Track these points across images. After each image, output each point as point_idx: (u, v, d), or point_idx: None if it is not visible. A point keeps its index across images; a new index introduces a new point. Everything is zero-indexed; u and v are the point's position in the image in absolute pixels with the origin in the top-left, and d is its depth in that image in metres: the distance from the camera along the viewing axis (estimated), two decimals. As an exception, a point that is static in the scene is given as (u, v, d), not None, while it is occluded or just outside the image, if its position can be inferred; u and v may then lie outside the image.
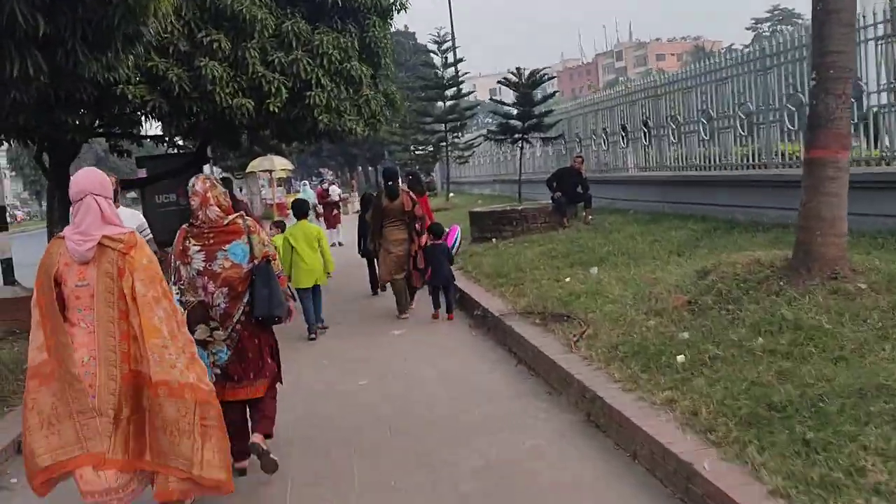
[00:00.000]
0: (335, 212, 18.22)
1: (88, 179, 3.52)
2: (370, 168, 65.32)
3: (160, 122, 10.42)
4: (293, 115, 10.74)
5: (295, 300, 5.16)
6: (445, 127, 23.44)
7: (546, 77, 13.60)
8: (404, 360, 6.97)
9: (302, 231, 8.33)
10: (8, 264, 8.99)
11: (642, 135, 14.63)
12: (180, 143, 15.93)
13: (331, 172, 75.50)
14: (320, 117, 10.77)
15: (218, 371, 4.20)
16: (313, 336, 8.17)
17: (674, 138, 13.43)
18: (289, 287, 4.91)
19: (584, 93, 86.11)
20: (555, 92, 16.89)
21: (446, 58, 23.76)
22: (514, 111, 13.11)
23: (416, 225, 8.89)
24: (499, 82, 14.29)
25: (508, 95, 19.15)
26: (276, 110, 10.11)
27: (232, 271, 4.19)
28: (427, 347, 7.40)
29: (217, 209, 4.23)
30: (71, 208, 3.52)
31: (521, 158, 14.60)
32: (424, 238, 8.83)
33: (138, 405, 3.42)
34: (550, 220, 13.26)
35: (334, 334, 8.54)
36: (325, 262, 8.37)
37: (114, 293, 3.39)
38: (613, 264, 8.72)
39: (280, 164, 30.49)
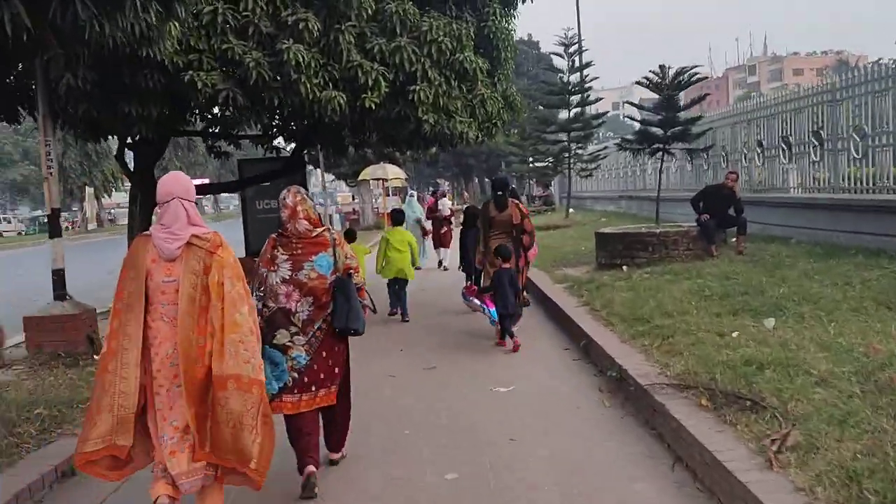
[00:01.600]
0: (444, 229, 15.64)
1: (176, 183, 3.69)
2: (486, 180, 63.87)
3: (238, 117, 9.02)
4: (394, 113, 9.15)
5: (374, 311, 5.15)
6: (569, 137, 21.37)
7: (696, 77, 11.40)
8: (510, 439, 5.09)
9: (397, 235, 10.23)
10: (59, 276, 7.78)
11: (811, 149, 12.15)
12: (281, 145, 14.76)
13: (447, 183, 74.81)
14: (425, 117, 9.14)
15: (295, 375, 4.29)
16: (394, 312, 10.09)
17: (856, 153, 10.93)
18: (368, 297, 5.04)
19: (711, 108, 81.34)
20: (706, 95, 14.52)
21: (573, 61, 21.71)
22: (656, 117, 11.05)
23: (525, 239, 8.40)
24: (637, 82, 12.22)
25: (633, 109, 17.02)
26: (374, 107, 8.56)
27: (317, 282, 4.32)
28: (543, 421, 5.48)
29: (306, 222, 4.35)
30: (156, 208, 3.69)
31: (660, 173, 12.43)
32: (532, 251, 8.68)
33: (203, 399, 3.51)
34: (695, 247, 11.06)
35: (419, 375, 6.92)
36: (414, 257, 10.12)
37: (197, 289, 3.51)
38: (797, 316, 6.52)
39: (393, 173, 29.31)
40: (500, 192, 8.58)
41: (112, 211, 66.51)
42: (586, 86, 21.97)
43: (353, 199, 39.12)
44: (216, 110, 10.04)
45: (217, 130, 12.58)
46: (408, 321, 9.91)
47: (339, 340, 4.49)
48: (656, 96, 12.41)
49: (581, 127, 21.35)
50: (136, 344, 3.49)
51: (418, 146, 12.84)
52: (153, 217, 11.75)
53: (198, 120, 12.14)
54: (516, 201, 8.88)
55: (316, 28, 7.80)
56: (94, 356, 7.65)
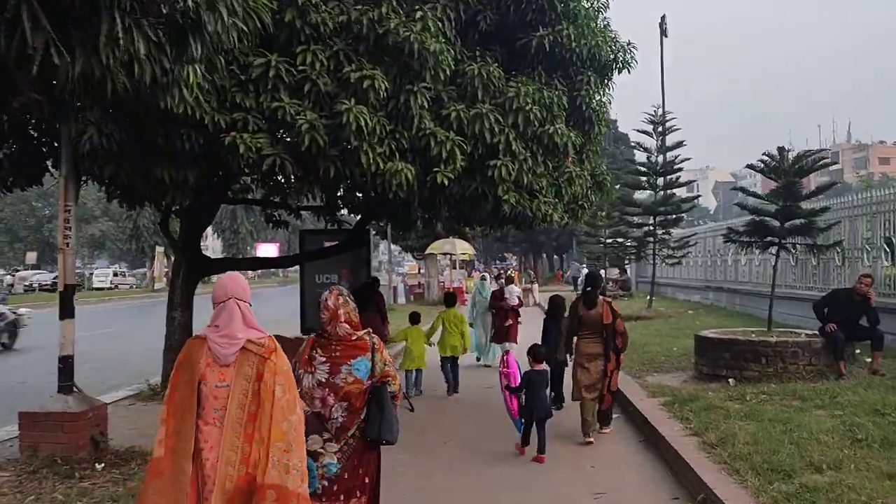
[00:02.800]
0: (509, 322, 12.63)
1: (233, 283, 3.70)
2: (555, 257, 62.11)
3: (287, 187, 7.86)
4: (470, 190, 7.85)
5: (412, 411, 5.79)
6: (654, 220, 19.73)
7: (821, 163, 9.74)
8: None
9: (452, 315, 11.22)
10: (67, 364, 6.59)
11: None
12: (344, 217, 13.66)
13: (514, 258, 73.42)
14: (506, 196, 7.85)
15: (325, 483, 4.15)
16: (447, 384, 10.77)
17: None
18: (406, 398, 5.67)
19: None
20: (834, 183, 12.86)
21: (662, 141, 20.24)
22: (771, 207, 9.50)
23: (617, 341, 7.82)
24: (748, 166, 10.65)
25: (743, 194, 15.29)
26: (447, 182, 7.27)
27: (354, 386, 4.19)
28: None
29: (347, 326, 4.22)
30: (213, 309, 3.64)
31: (775, 269, 10.63)
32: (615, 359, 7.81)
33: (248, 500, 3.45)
34: (818, 362, 9.26)
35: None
36: (464, 341, 11.15)
37: (248, 395, 3.49)
38: None
39: (461, 249, 28.15)
40: (589, 288, 8.03)
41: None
42: (676, 166, 20.37)
43: (420, 271, 38.05)
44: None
45: (277, 199, 11.57)
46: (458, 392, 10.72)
47: (372, 449, 4.36)
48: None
49: (670, 210, 19.66)
50: (189, 449, 3.45)
51: (494, 225, 11.51)
52: (194, 292, 10.73)
53: (257, 186, 11.16)
54: (608, 299, 8.12)
55: (383, 88, 6.60)
56: (97, 464, 6.41)
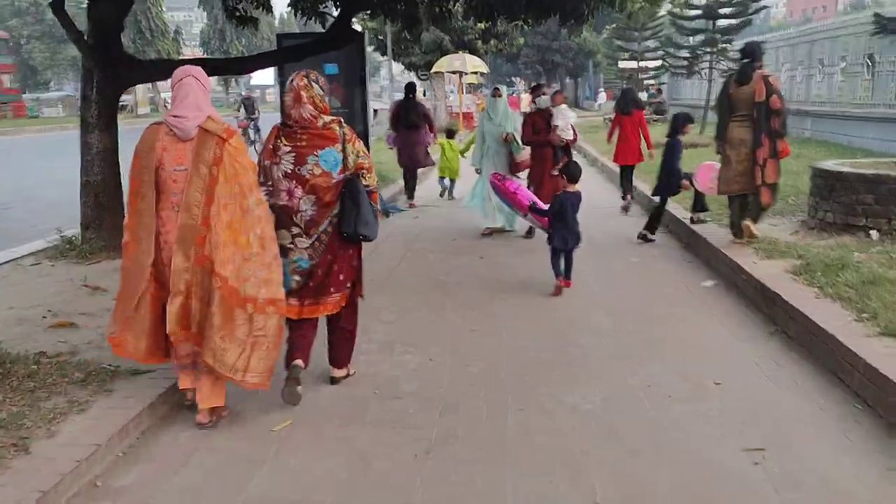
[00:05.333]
0: (556, 172, 7.49)
1: (192, 67, 3.66)
2: (568, 80, 57.32)
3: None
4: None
5: (387, 215, 4.80)
6: (713, 26, 16.03)
7: None
8: None
9: (449, 145, 11.65)
10: None
11: None
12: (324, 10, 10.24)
13: (523, 82, 68.13)
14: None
15: (298, 279, 3.97)
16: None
17: None
18: (381, 201, 4.79)
19: (817, 15, 71.39)
20: None
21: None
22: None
23: (773, 123, 6.57)
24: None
25: None
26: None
27: (321, 179, 3.91)
28: None
29: (311, 108, 3.90)
30: (171, 91, 3.59)
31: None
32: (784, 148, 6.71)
33: (208, 286, 3.46)
34: None
35: None
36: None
37: (205, 179, 3.43)
38: None
39: (473, 65, 24.50)
40: (746, 60, 6.84)
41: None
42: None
43: (424, 94, 34.37)
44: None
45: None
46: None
47: (348, 246, 4.09)
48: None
49: (738, 11, 15.85)
50: (150, 233, 3.48)
51: (535, 17, 8.31)
52: (118, 110, 7.75)
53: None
54: (766, 73, 6.77)
55: None
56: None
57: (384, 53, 27.47)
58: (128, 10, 7.37)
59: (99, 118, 7.10)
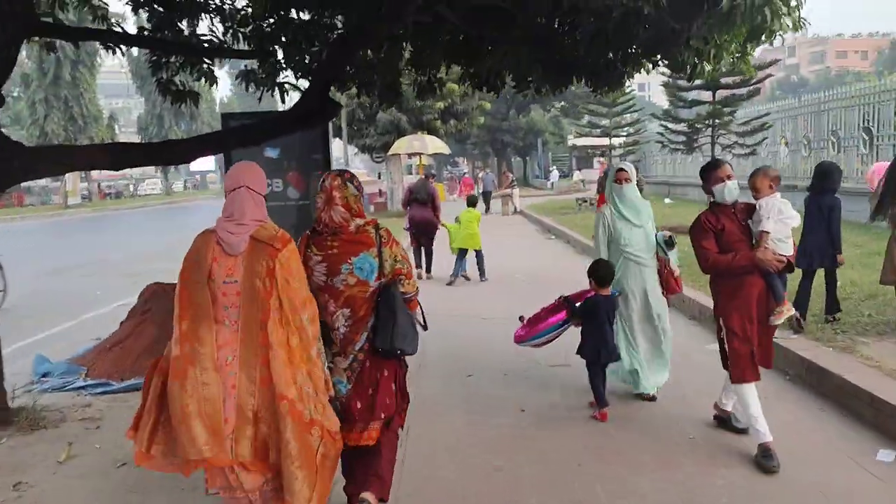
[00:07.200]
0: None
1: (248, 170, 3.35)
2: (516, 158, 56.62)
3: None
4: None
5: (425, 328, 3.83)
6: (714, 97, 14.82)
7: None
8: None
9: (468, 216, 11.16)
10: None
11: None
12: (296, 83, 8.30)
13: (466, 163, 67.48)
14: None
15: (337, 405, 3.45)
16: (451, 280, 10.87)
17: None
18: (420, 311, 3.82)
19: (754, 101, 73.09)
20: None
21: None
22: None
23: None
24: None
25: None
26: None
27: (357, 289, 3.49)
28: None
29: (342, 209, 3.52)
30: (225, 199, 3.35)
31: None
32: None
33: (274, 409, 3.15)
34: None
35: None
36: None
37: (259, 293, 3.17)
38: None
39: (434, 146, 23.16)
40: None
41: (113, 184, 59.86)
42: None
43: (380, 177, 32.81)
44: None
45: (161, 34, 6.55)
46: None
47: (388, 364, 3.59)
48: None
49: (740, 82, 14.58)
50: (210, 348, 3.15)
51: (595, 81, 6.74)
52: None
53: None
54: None
55: None
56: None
57: (336, 135, 25.98)
58: (13, 61, 5.39)
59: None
